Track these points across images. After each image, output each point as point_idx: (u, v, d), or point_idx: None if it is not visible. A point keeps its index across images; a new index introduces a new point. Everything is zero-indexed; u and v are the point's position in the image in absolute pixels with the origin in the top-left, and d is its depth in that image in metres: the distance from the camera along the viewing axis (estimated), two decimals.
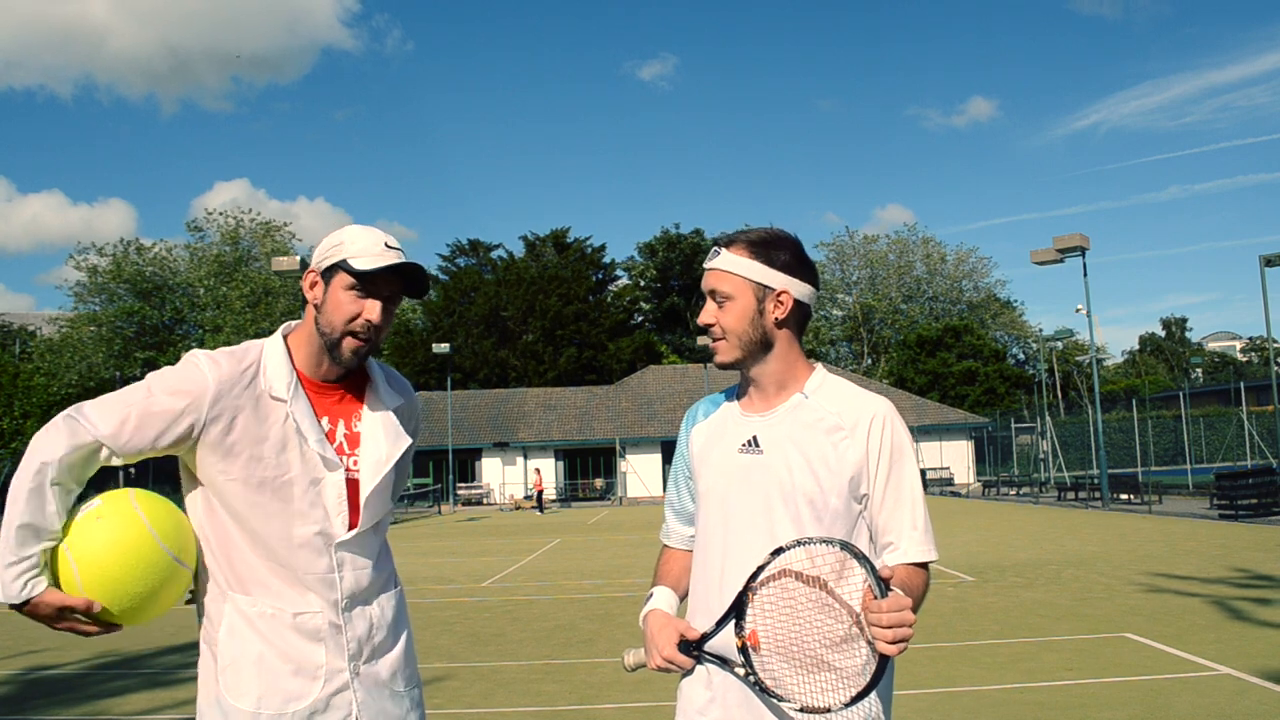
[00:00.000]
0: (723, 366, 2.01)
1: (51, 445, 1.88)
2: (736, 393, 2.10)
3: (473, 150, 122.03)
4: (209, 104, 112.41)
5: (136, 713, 6.26)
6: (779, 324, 1.98)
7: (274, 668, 1.96)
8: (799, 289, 1.98)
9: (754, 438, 1.98)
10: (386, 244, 2.05)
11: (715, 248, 2.02)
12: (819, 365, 2.06)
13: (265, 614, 1.98)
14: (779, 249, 1.98)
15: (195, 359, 2.00)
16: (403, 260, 2.04)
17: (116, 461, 1.93)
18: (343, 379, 2.13)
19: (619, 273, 68.50)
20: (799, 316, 2.00)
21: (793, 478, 1.91)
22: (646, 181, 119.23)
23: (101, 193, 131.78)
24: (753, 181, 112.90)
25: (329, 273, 2.05)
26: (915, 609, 1.79)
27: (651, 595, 2.09)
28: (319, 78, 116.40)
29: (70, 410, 1.93)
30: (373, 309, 2.03)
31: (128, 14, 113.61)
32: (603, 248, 64.70)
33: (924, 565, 1.94)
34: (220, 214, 59.57)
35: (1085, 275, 27.46)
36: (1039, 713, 5.53)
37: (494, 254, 65.76)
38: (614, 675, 6.82)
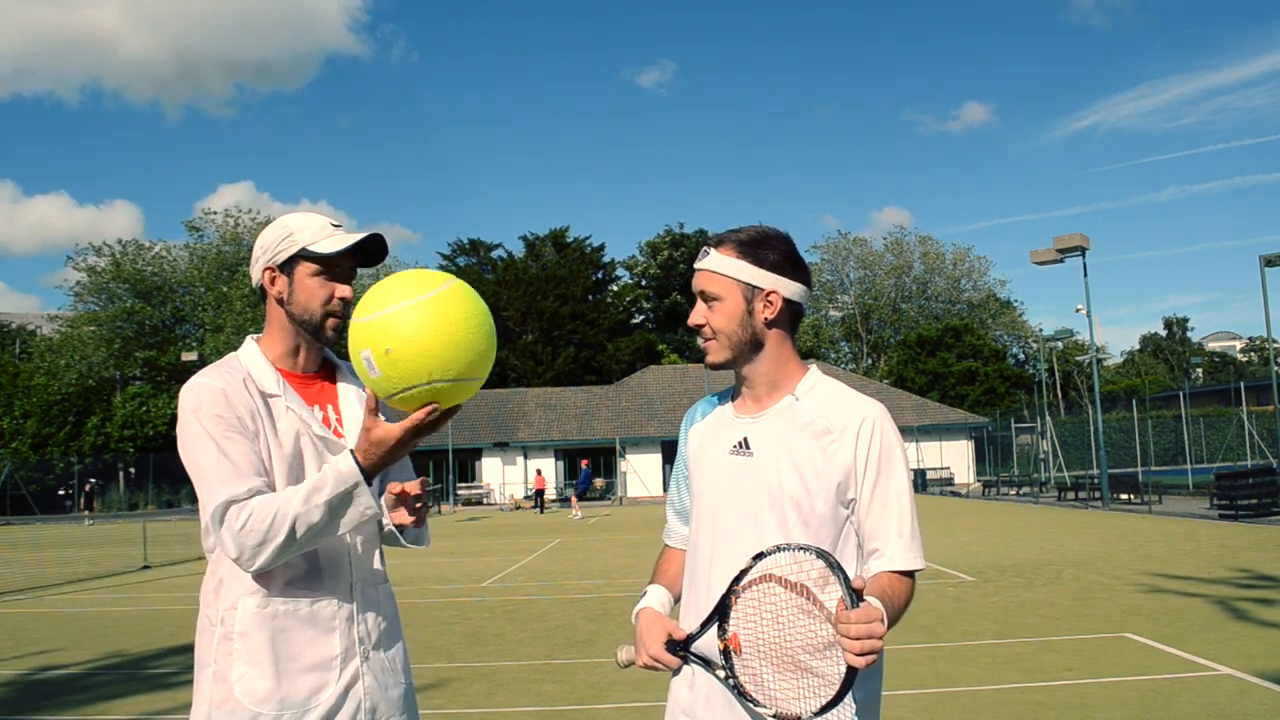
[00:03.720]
0: (713, 367, 2.00)
1: (253, 542, 1.90)
2: (732, 394, 2.10)
3: (473, 151, 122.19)
4: (213, 110, 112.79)
5: (137, 714, 6.26)
6: (769, 324, 1.97)
7: (291, 666, 1.98)
8: (789, 288, 1.97)
9: (744, 439, 1.98)
10: (332, 223, 2.12)
11: (705, 248, 2.01)
12: (813, 366, 2.05)
13: (280, 612, 2.00)
14: (768, 248, 1.97)
15: (189, 386, 2.05)
16: (368, 233, 2.11)
17: (262, 483, 1.98)
18: (317, 370, 2.21)
19: (620, 271, 68.53)
20: (790, 316, 1.99)
21: (780, 481, 1.91)
22: (646, 184, 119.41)
23: (107, 195, 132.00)
24: (752, 185, 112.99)
25: (288, 265, 2.11)
26: (898, 618, 1.79)
27: (645, 593, 2.10)
28: (323, 84, 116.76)
29: (216, 515, 1.93)
30: (344, 289, 2.12)
31: (137, 21, 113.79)
32: (602, 247, 64.75)
33: (909, 573, 1.92)
34: (220, 213, 59.66)
35: (1085, 275, 27.47)
36: (1039, 713, 5.53)
37: (494, 254, 65.77)
38: (614, 675, 6.81)
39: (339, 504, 1.91)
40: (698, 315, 1.99)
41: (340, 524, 1.93)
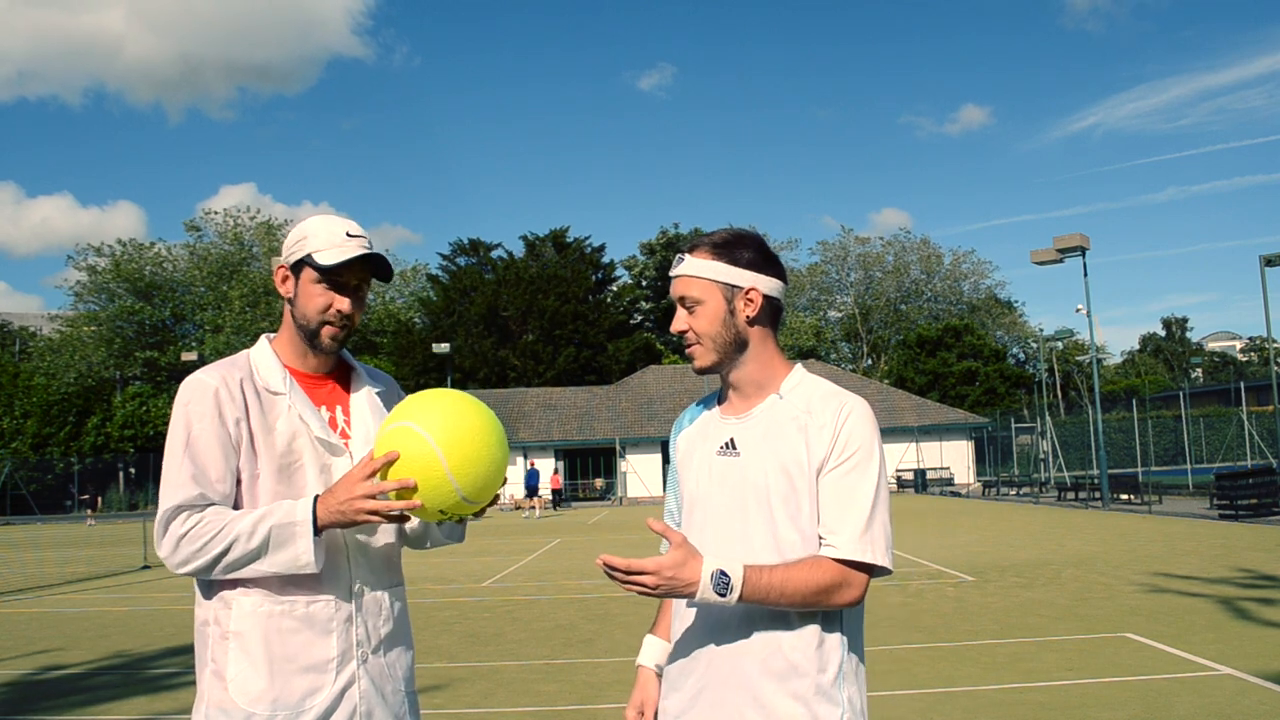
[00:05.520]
0: (701, 371, 2.01)
1: (192, 547, 1.93)
2: (719, 397, 2.11)
3: (475, 152, 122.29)
4: (215, 112, 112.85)
5: (138, 715, 6.26)
6: (751, 322, 1.97)
7: (286, 667, 1.97)
8: (767, 284, 1.98)
9: (731, 440, 1.98)
10: (348, 233, 2.09)
11: (679, 255, 2.02)
12: (798, 364, 2.05)
13: (275, 612, 1.99)
14: (742, 247, 1.98)
15: (187, 380, 2.05)
16: (365, 251, 2.08)
17: (222, 491, 1.99)
18: (330, 371, 2.20)
19: (619, 272, 68.48)
20: (770, 312, 2.00)
21: (767, 480, 1.91)
22: (646, 185, 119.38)
23: (111, 196, 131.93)
24: (751, 186, 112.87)
25: (297, 267, 2.10)
26: (797, 600, 1.81)
27: (644, 644, 2.15)
28: (325, 87, 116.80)
29: (164, 517, 1.95)
30: (342, 301, 2.09)
31: (141, 24, 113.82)
32: (602, 247, 64.54)
33: (861, 568, 1.87)
34: (219, 213, 59.70)
35: (1085, 275, 27.46)
36: (1038, 713, 5.53)
37: (494, 254, 65.65)
38: (614, 675, 6.81)
39: (277, 538, 1.92)
40: (679, 322, 1.99)
41: (269, 560, 1.93)
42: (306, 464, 2.06)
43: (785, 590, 1.80)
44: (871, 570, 1.88)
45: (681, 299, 1.99)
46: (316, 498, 1.94)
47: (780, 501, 1.89)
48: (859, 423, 1.90)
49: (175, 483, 1.96)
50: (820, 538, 1.88)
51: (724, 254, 1.97)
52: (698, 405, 2.15)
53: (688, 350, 2.00)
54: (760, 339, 1.99)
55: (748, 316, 1.97)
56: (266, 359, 2.11)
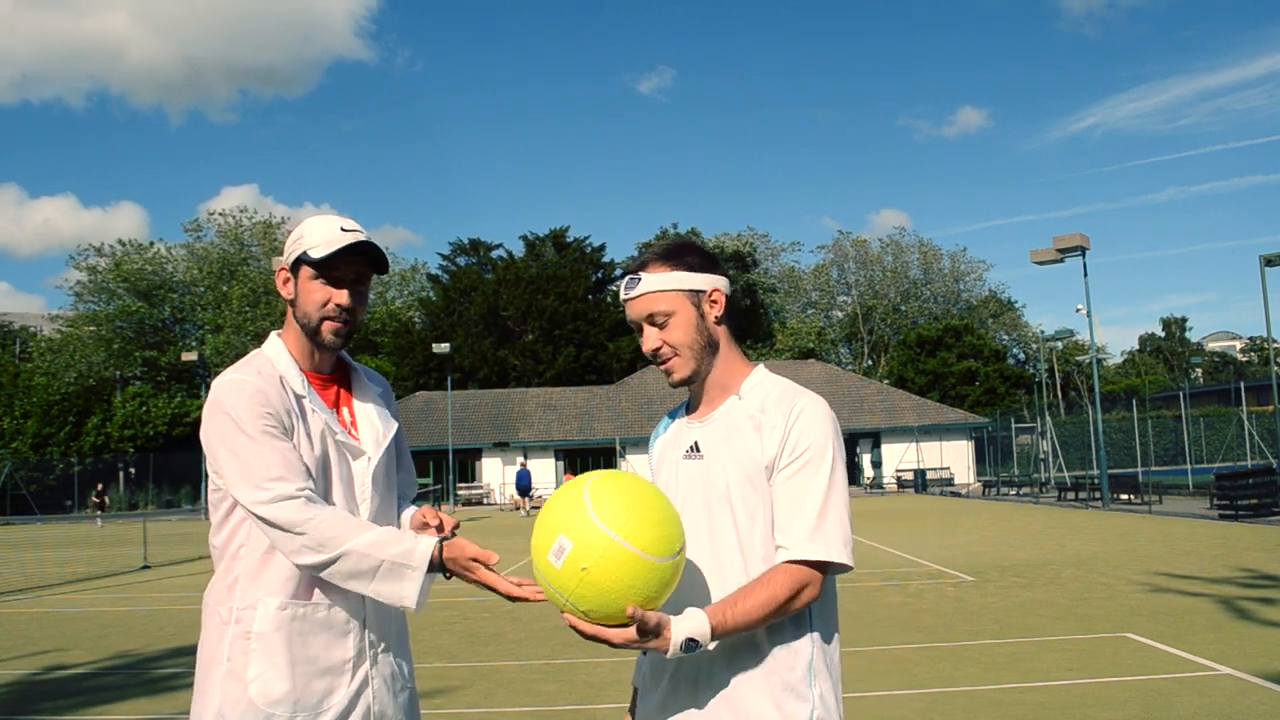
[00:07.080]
0: (680, 383, 2.01)
1: (305, 542, 1.93)
2: (688, 403, 2.13)
3: (474, 151, 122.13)
4: (217, 115, 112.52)
5: (138, 715, 6.26)
6: (718, 321, 2.01)
7: (307, 669, 1.99)
8: (724, 283, 2.02)
9: (696, 443, 2.01)
10: (343, 228, 2.10)
11: (631, 277, 2.01)
12: (759, 365, 2.07)
13: (299, 614, 2.01)
14: (689, 253, 2.01)
15: (223, 383, 2.02)
16: (357, 240, 2.08)
17: (312, 485, 1.98)
18: (331, 371, 2.21)
19: (619, 272, 68.49)
20: (730, 310, 2.04)
21: (727, 480, 1.93)
22: (646, 186, 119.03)
23: (113, 197, 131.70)
24: (750, 187, 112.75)
25: (295, 266, 2.11)
26: (761, 618, 1.79)
27: (637, 663, 2.14)
28: (327, 90, 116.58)
29: (281, 494, 1.93)
30: (340, 295, 2.09)
31: (145, 28, 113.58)
32: (602, 247, 64.64)
33: (818, 566, 1.85)
34: (219, 214, 59.70)
35: (1085, 275, 27.46)
36: (1038, 713, 5.53)
37: (494, 254, 65.68)
38: (614, 675, 6.82)
39: (388, 572, 1.92)
40: (652, 340, 1.99)
41: (372, 588, 1.94)
42: (333, 465, 2.08)
43: (751, 621, 1.80)
44: (827, 567, 1.87)
45: (649, 317, 1.98)
46: (442, 544, 1.95)
47: (740, 502, 1.91)
48: (809, 421, 1.90)
49: (269, 475, 1.94)
50: (776, 540, 1.89)
51: (679, 262, 1.99)
52: (672, 413, 2.18)
53: (665, 365, 2.00)
54: (726, 339, 2.03)
55: (715, 317, 2.00)
56: (284, 360, 2.11)
